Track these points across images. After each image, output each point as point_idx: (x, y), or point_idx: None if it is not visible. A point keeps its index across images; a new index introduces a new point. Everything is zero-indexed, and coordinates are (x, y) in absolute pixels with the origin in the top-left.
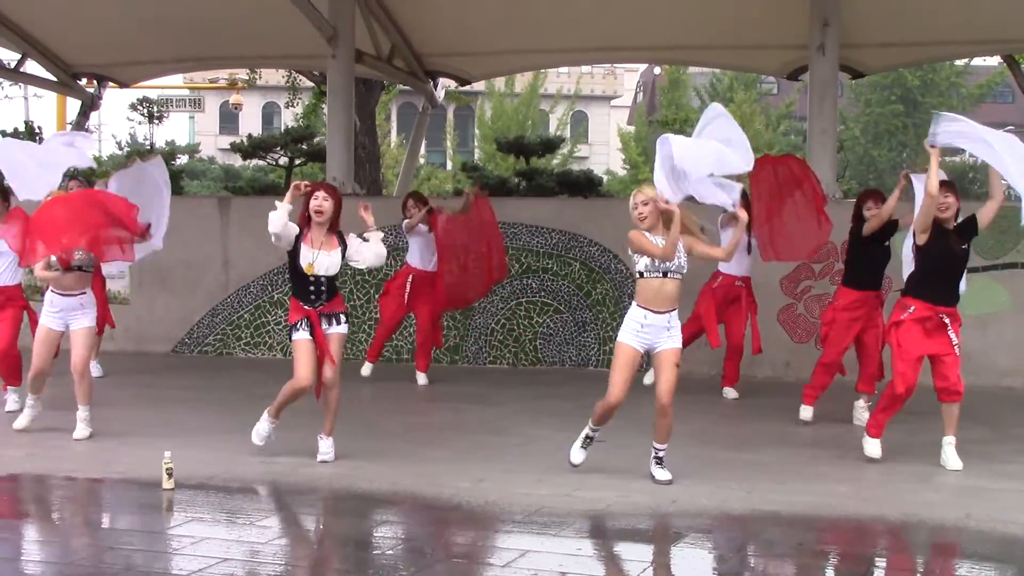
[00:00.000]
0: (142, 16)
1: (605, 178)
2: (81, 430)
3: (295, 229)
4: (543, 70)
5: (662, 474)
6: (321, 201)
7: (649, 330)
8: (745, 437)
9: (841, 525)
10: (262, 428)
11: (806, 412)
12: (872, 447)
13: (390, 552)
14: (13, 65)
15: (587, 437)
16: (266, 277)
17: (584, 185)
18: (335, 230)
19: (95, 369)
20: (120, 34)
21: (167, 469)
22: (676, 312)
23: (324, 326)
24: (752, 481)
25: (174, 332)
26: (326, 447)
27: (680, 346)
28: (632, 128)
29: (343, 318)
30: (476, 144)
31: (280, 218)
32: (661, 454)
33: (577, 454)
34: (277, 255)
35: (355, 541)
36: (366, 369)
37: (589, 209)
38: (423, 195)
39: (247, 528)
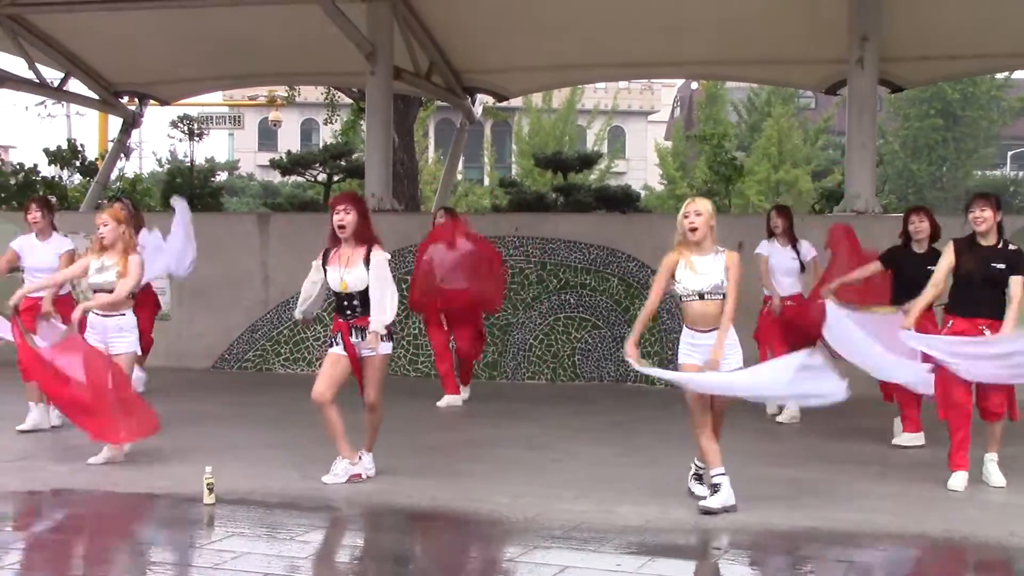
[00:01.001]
0: (183, 34)
1: (643, 193)
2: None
3: (320, 273)
4: (580, 86)
5: (701, 490)
6: (343, 215)
7: (700, 349)
8: (786, 453)
9: (883, 542)
10: (336, 468)
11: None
12: (955, 480)
13: (429, 568)
14: (56, 84)
15: (696, 475)
16: None
17: (622, 200)
18: (364, 240)
19: (138, 385)
20: (161, 52)
21: (208, 484)
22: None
23: (355, 339)
24: (793, 497)
25: (214, 348)
26: (366, 462)
27: (738, 364)
28: (669, 143)
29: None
30: (513, 160)
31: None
32: (702, 471)
33: (697, 488)
34: None
35: (394, 556)
36: (460, 397)
37: (627, 224)
38: (454, 209)
39: (287, 543)
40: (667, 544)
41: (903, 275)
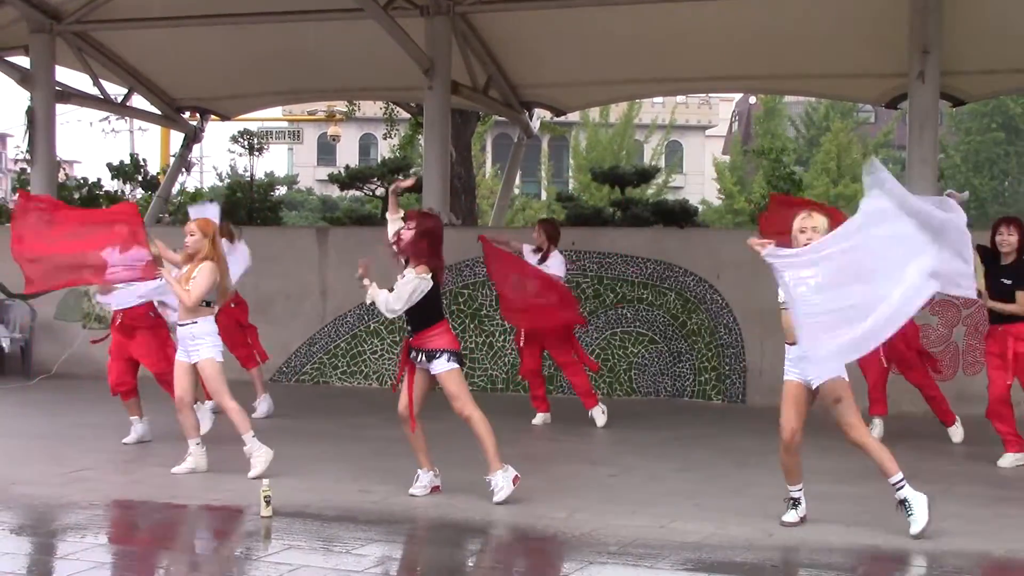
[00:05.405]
0: (243, 50)
1: (700, 208)
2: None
3: None
4: (638, 100)
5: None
6: (404, 232)
7: (794, 362)
8: (848, 471)
9: (944, 560)
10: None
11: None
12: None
13: None
14: (120, 99)
15: (791, 499)
16: (363, 307)
17: (679, 215)
18: (417, 258)
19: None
20: (222, 68)
21: (265, 497)
22: None
23: (413, 356)
24: (852, 514)
25: (272, 361)
26: (423, 480)
27: (834, 377)
28: (727, 158)
29: (436, 355)
30: (571, 174)
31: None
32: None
33: (788, 515)
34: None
35: (450, 570)
36: (537, 419)
37: (684, 239)
38: (553, 220)
39: (343, 556)
40: (723, 560)
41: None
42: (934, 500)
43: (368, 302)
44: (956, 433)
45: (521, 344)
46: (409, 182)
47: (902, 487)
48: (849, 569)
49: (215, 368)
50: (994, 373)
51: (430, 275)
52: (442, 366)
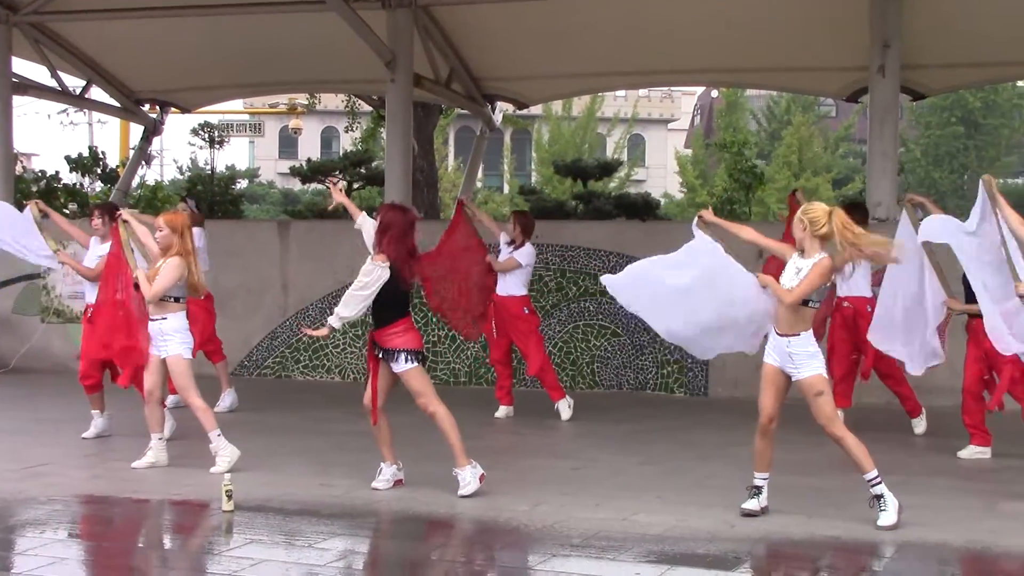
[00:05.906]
0: (204, 42)
1: (663, 201)
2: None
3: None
4: (600, 93)
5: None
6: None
7: (775, 350)
8: (805, 462)
9: (904, 551)
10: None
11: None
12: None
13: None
14: (78, 91)
15: (754, 487)
16: (324, 300)
17: (642, 208)
18: (377, 250)
19: (225, 401)
20: (182, 60)
21: (227, 491)
22: (802, 339)
23: (376, 352)
24: (812, 506)
25: (233, 355)
26: (386, 474)
27: (813, 374)
28: (689, 151)
29: (393, 355)
30: (533, 167)
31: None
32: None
33: (749, 503)
34: (335, 279)
35: (412, 564)
36: (500, 412)
37: (647, 232)
38: (527, 213)
39: (306, 550)
40: (686, 552)
41: None
42: (895, 490)
43: (338, 326)
44: (919, 424)
45: (493, 331)
46: (338, 184)
47: (878, 483)
48: (811, 560)
49: (183, 365)
50: (970, 366)
51: (388, 264)
52: (402, 366)
